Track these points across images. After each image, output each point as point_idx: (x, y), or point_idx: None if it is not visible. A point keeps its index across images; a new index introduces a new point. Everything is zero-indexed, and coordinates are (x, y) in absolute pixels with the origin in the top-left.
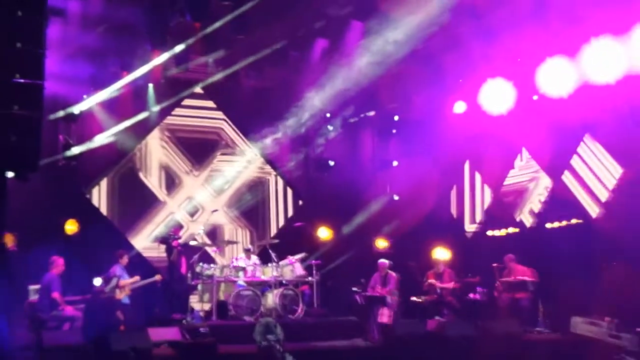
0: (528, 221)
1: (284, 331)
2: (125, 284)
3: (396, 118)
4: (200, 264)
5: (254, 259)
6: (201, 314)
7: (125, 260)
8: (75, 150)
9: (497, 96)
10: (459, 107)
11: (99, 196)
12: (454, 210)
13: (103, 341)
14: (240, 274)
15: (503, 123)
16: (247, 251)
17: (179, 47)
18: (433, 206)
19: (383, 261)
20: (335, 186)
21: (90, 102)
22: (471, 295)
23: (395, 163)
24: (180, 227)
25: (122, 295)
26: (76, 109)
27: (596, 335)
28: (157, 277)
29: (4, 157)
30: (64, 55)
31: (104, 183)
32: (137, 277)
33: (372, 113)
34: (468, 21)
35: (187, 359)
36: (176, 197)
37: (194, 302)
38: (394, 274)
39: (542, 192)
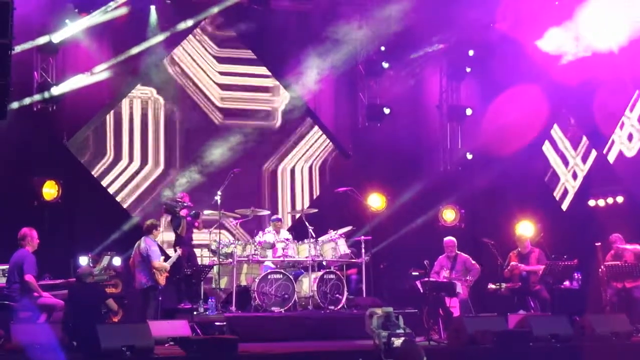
0: None
1: (323, 326)
2: (161, 266)
3: (471, 53)
4: (217, 239)
5: (286, 233)
6: (217, 303)
7: (157, 233)
8: (55, 90)
9: (604, 23)
10: (553, 39)
11: (87, 150)
12: (544, 174)
13: (90, 337)
14: (268, 252)
15: (612, 61)
16: (276, 220)
17: None
18: (518, 168)
19: (450, 239)
20: (392, 140)
21: (74, 29)
22: (566, 283)
23: (469, 111)
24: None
25: (163, 280)
26: (56, 38)
27: None
28: (179, 251)
29: None
30: None
31: (92, 133)
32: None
33: (440, 46)
34: None
35: None
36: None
37: (208, 288)
38: (464, 255)
39: None
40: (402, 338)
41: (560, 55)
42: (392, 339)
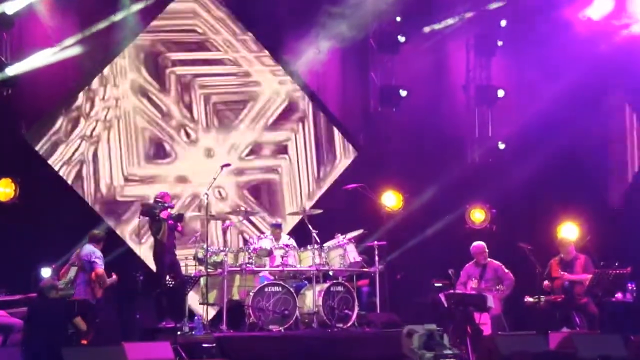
0: None
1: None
2: (104, 277)
3: (503, 23)
4: (204, 245)
5: (285, 238)
6: (204, 321)
7: (102, 246)
8: (11, 71)
9: None
10: (600, 6)
11: (49, 143)
12: (591, 167)
13: None
14: (265, 261)
15: None
16: (275, 227)
17: None
18: (559, 160)
19: (479, 244)
20: (409, 128)
21: None
22: (618, 296)
23: (501, 92)
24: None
25: (100, 293)
26: (10, 8)
27: None
28: (115, 278)
29: None
30: None
31: (55, 121)
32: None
33: (466, 15)
34: None
35: None
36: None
37: (194, 303)
38: (496, 262)
39: None
40: None
41: (608, 26)
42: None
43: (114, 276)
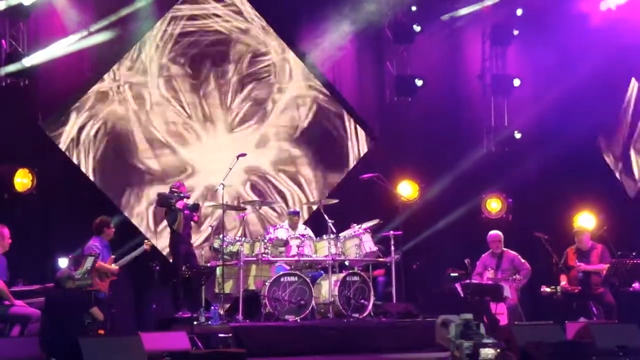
0: None
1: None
2: (104, 268)
3: (519, 12)
4: (220, 235)
5: (302, 228)
6: (221, 311)
7: (110, 232)
8: (28, 61)
9: None
10: None
11: (66, 133)
12: (608, 156)
13: (71, 352)
14: (281, 250)
15: None
16: (293, 214)
17: None
18: (576, 149)
19: (495, 233)
20: (425, 118)
21: None
22: (635, 285)
23: (517, 82)
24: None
25: (106, 287)
26: None
27: None
28: (146, 246)
29: None
30: None
31: (73, 113)
32: (112, 258)
33: (483, 5)
34: None
35: None
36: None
37: (210, 293)
38: (512, 252)
39: None
40: (491, 349)
41: (626, 14)
42: (480, 350)
43: (145, 245)
